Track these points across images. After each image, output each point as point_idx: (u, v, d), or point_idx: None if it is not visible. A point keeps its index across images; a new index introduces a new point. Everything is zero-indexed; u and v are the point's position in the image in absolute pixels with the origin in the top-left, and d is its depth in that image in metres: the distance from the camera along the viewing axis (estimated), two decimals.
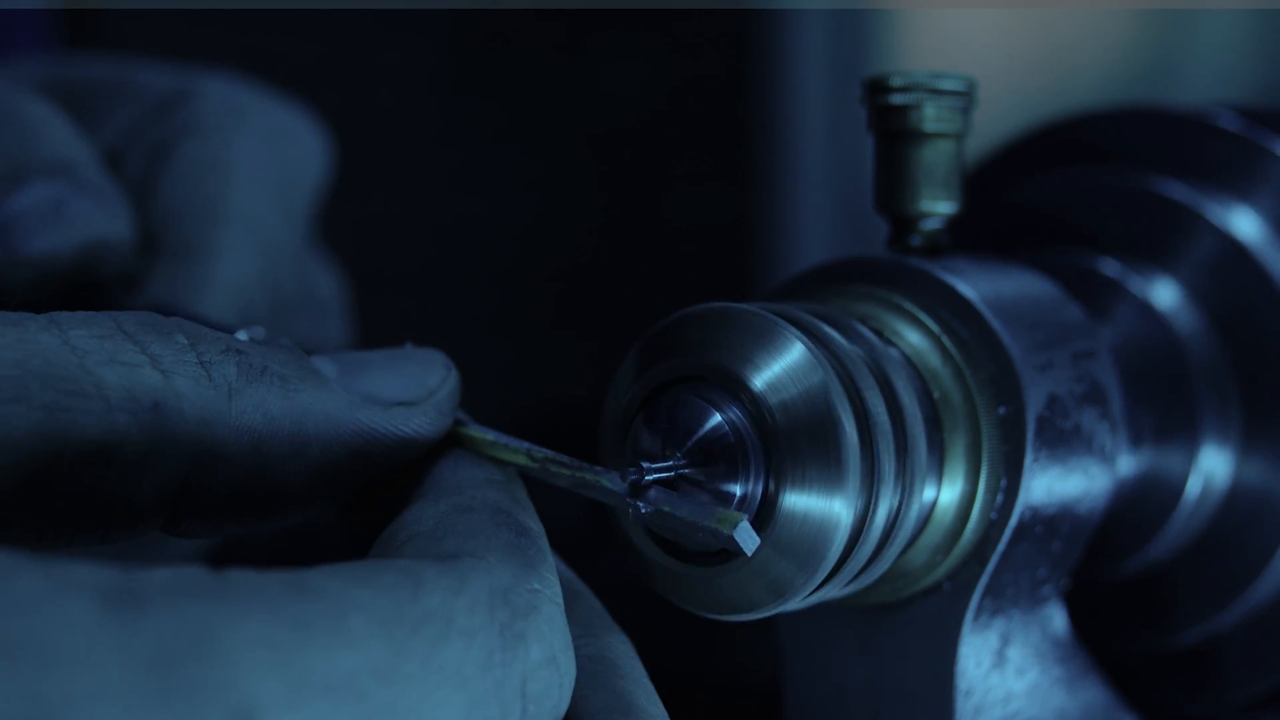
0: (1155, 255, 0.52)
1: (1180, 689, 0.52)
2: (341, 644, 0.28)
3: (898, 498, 0.40)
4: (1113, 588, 0.52)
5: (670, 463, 0.38)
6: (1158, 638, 0.52)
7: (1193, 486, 0.50)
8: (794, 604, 0.39)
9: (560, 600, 0.33)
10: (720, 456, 0.38)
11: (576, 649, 0.35)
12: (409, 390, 0.38)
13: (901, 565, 0.43)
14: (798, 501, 0.37)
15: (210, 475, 0.34)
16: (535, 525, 0.36)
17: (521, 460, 0.38)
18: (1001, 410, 0.43)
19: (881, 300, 0.44)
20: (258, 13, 2.32)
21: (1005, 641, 0.45)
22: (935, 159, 0.46)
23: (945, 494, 0.43)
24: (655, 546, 0.39)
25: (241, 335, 0.37)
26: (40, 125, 0.53)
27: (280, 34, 2.36)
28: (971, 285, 0.43)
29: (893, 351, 0.43)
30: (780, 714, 0.47)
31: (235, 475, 0.35)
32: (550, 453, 0.38)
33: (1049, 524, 0.44)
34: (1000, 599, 0.44)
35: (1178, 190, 0.52)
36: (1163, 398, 0.50)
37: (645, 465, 0.38)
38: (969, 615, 0.43)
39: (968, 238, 0.52)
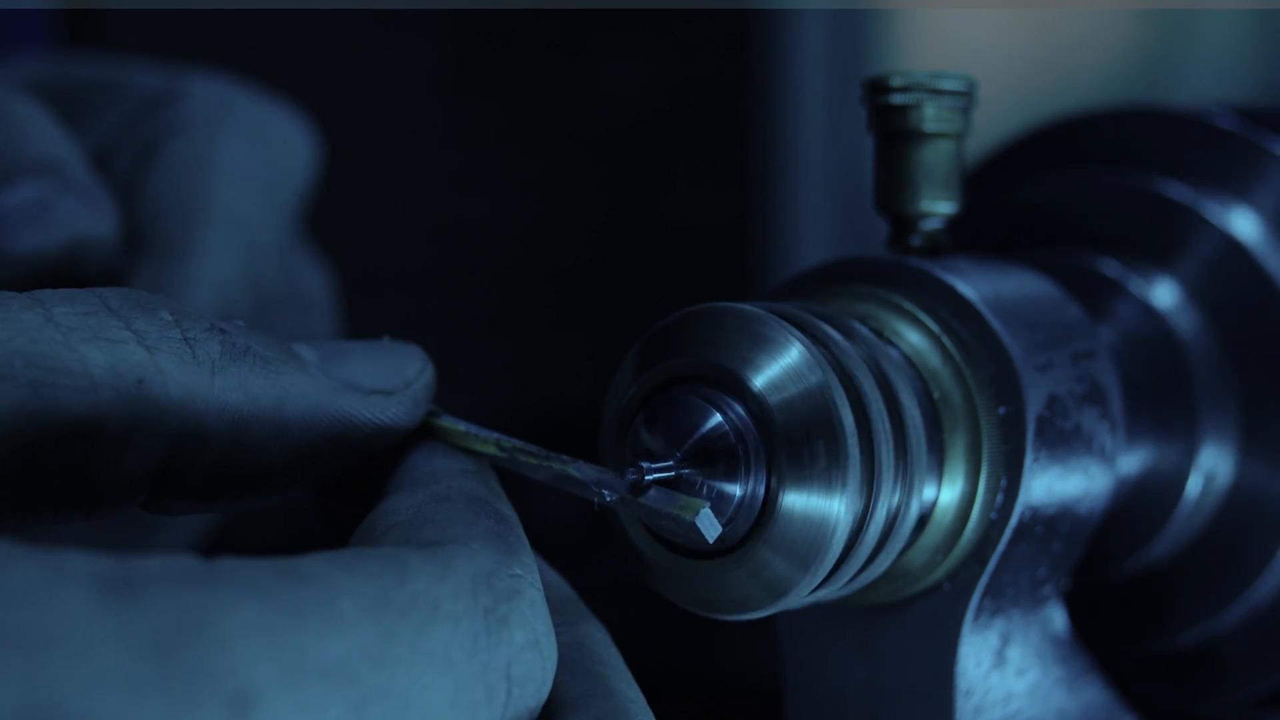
0: (1155, 255, 0.52)
1: (1180, 689, 0.52)
2: (333, 628, 0.29)
3: (897, 498, 0.40)
4: (1113, 588, 0.52)
5: (670, 463, 0.38)
6: (1158, 638, 0.52)
7: (1193, 486, 0.50)
8: (794, 603, 0.39)
9: (540, 586, 0.34)
10: (720, 456, 0.38)
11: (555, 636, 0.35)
12: (387, 380, 0.38)
13: (901, 565, 0.43)
14: (797, 501, 0.37)
15: (192, 453, 0.35)
16: (510, 513, 0.36)
17: (491, 450, 0.39)
18: (1001, 410, 0.43)
19: (881, 300, 0.44)
20: (257, 13, 2.32)
21: (1005, 641, 0.45)
22: (935, 159, 0.46)
23: (945, 494, 0.43)
24: (654, 545, 0.39)
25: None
26: (27, 124, 0.54)
27: (280, 34, 2.36)
28: (971, 285, 0.43)
29: (893, 351, 0.43)
30: (780, 714, 0.47)
31: (216, 454, 0.35)
32: (519, 443, 0.39)
33: (1049, 524, 0.44)
34: (1000, 599, 0.44)
35: (1178, 190, 0.52)
36: (1163, 398, 0.50)
37: (645, 465, 0.38)
38: (969, 615, 0.43)
39: (968, 238, 0.52)
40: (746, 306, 0.39)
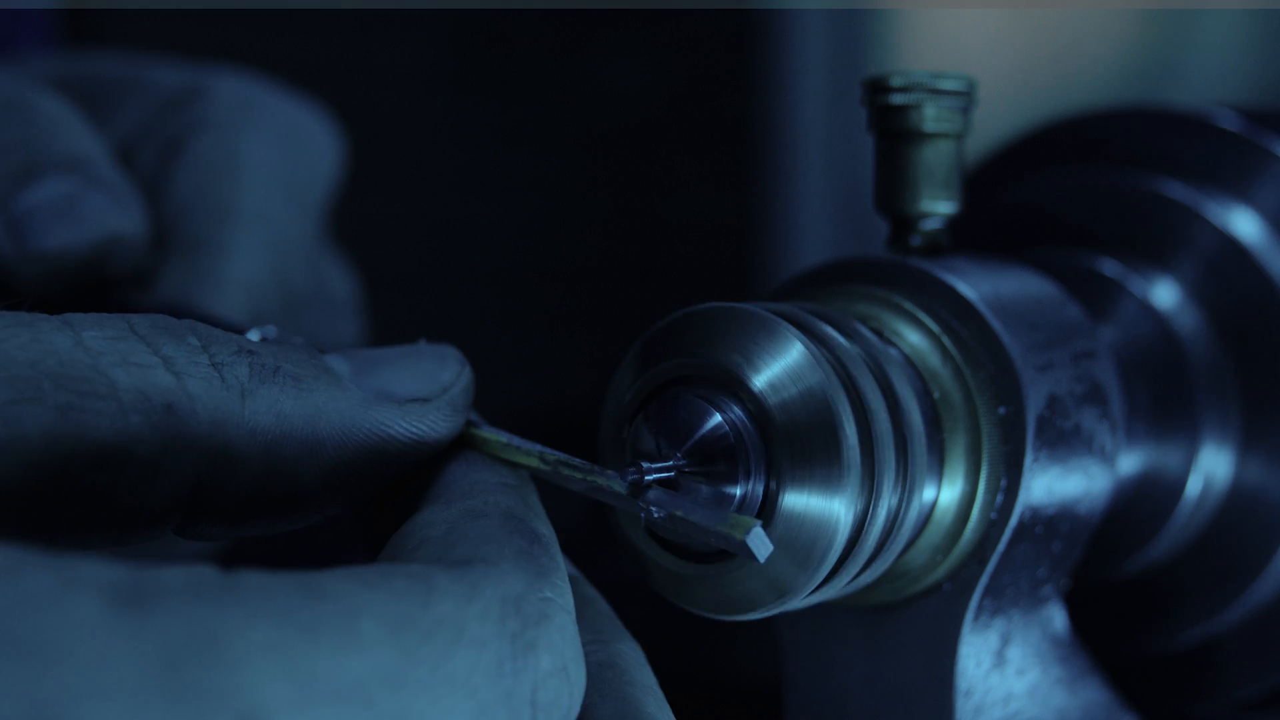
0: (1155, 255, 0.52)
1: (1180, 689, 0.52)
2: (351, 649, 0.28)
3: (897, 497, 0.40)
4: (1113, 588, 0.52)
5: (670, 462, 0.38)
6: (1158, 638, 0.52)
7: (1193, 486, 0.50)
8: (794, 604, 0.39)
9: (572, 608, 0.33)
10: (720, 456, 0.38)
11: (586, 655, 0.34)
12: (423, 386, 0.37)
13: (901, 565, 0.43)
14: (798, 501, 0.37)
15: (223, 477, 0.34)
16: (547, 531, 0.35)
17: (534, 463, 0.38)
18: (1001, 410, 0.43)
19: (881, 300, 0.44)
20: (258, 13, 2.32)
21: (1005, 641, 0.45)
22: (935, 159, 0.46)
23: (945, 494, 0.43)
24: (656, 546, 0.39)
25: (254, 335, 0.37)
26: (55, 121, 0.53)
27: (280, 34, 2.36)
28: (971, 285, 0.43)
29: (893, 351, 0.43)
30: (780, 714, 0.47)
31: (249, 477, 0.35)
32: (563, 456, 0.38)
33: (1049, 524, 0.44)
34: (1000, 599, 0.44)
35: (1178, 190, 0.52)
36: (1163, 398, 0.50)
37: (645, 465, 0.38)
38: (969, 615, 0.43)
39: (968, 238, 0.52)
40: (746, 306, 0.39)
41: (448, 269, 2.71)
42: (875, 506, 0.39)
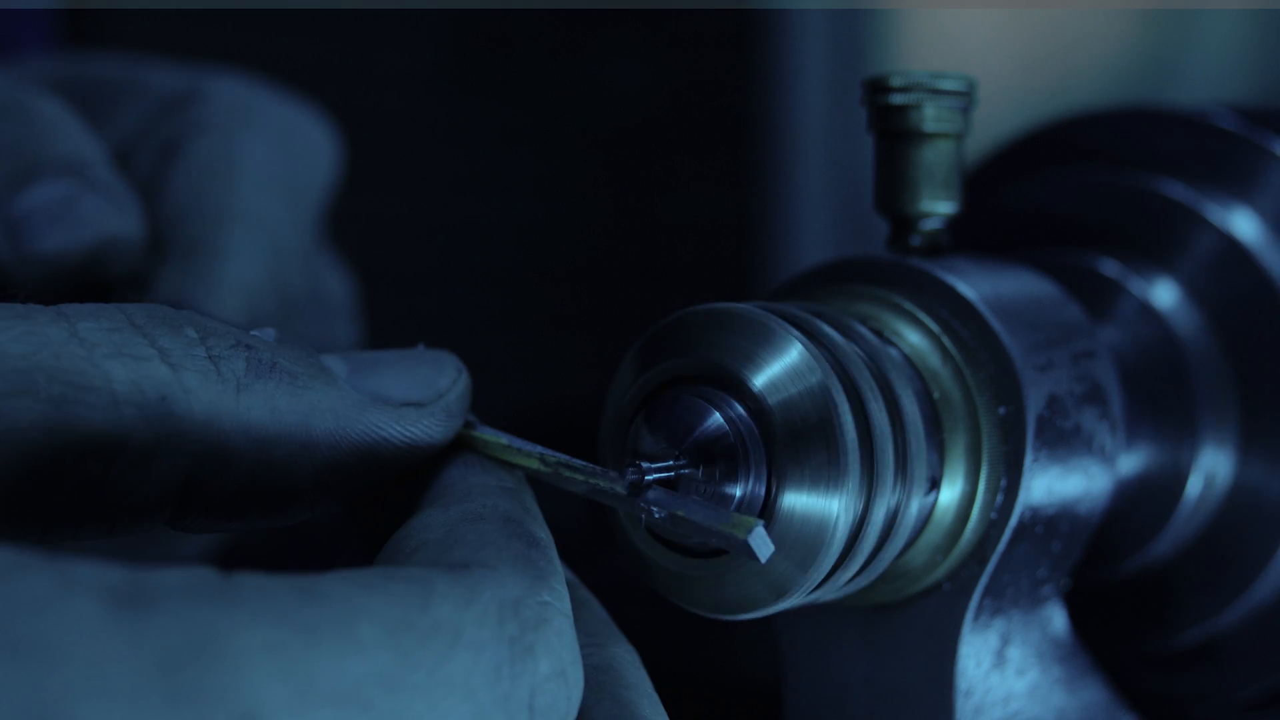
0: (1155, 255, 0.52)
1: (1180, 689, 0.52)
2: (349, 651, 0.28)
3: (897, 497, 0.40)
4: (1113, 588, 0.52)
5: (670, 462, 0.38)
6: (1158, 638, 0.52)
7: (1193, 486, 0.50)
8: (793, 603, 0.39)
9: (570, 613, 0.33)
10: (720, 456, 0.38)
11: (583, 659, 0.34)
12: (419, 391, 0.37)
13: (901, 565, 0.43)
14: (797, 501, 0.37)
15: (216, 471, 0.34)
16: (545, 535, 0.35)
17: (534, 465, 0.38)
18: (1001, 410, 0.43)
19: (881, 300, 0.44)
20: (258, 13, 2.32)
21: (1005, 641, 0.45)
22: (935, 159, 0.46)
23: (945, 494, 0.43)
24: (656, 546, 0.39)
25: (254, 335, 0.37)
26: (52, 123, 0.53)
27: (280, 34, 2.36)
28: (971, 285, 0.43)
29: (893, 351, 0.43)
30: (780, 714, 0.47)
31: (241, 472, 0.35)
32: (564, 457, 0.38)
33: (1049, 524, 0.44)
34: (1000, 599, 0.44)
35: (1178, 190, 0.52)
36: (1163, 398, 0.50)
37: (645, 465, 0.38)
38: (969, 615, 0.43)
39: (968, 238, 0.52)
40: (746, 306, 0.39)
41: (448, 269, 2.71)
42: (874, 506, 0.39)
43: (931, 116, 0.45)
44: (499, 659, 0.30)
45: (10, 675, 0.25)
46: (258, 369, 0.35)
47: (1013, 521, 0.42)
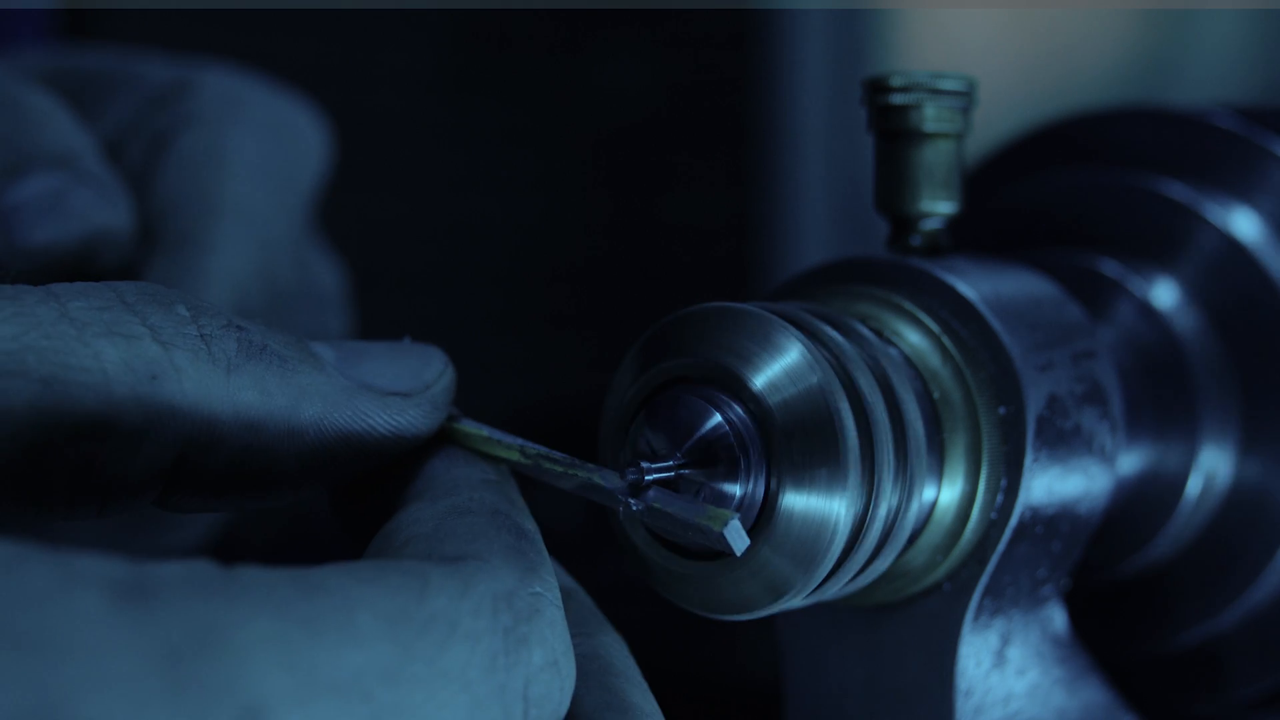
0: (1155, 255, 0.52)
1: (1180, 689, 0.52)
2: (349, 643, 0.28)
3: (897, 497, 0.40)
4: (1113, 588, 0.52)
5: (670, 462, 0.38)
6: (1158, 638, 0.52)
7: (1193, 486, 0.50)
8: (793, 603, 0.39)
9: (560, 603, 0.33)
10: (720, 456, 0.38)
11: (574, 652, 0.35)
12: (405, 381, 0.37)
13: (901, 565, 0.43)
14: (797, 501, 0.37)
15: (205, 451, 0.34)
16: (532, 527, 0.35)
17: (515, 457, 0.38)
18: (1001, 410, 0.43)
19: (881, 300, 0.44)
20: (258, 12, 2.32)
21: (1005, 641, 0.45)
22: (935, 159, 0.46)
23: (945, 494, 0.43)
24: (655, 546, 0.39)
25: None
26: (42, 116, 0.53)
27: (280, 34, 2.36)
28: (971, 285, 0.43)
29: (893, 351, 0.43)
30: (780, 714, 0.47)
31: (229, 452, 0.35)
32: (544, 449, 0.38)
33: (1049, 524, 0.44)
34: (1000, 599, 0.44)
35: (1178, 190, 0.52)
36: (1163, 398, 0.50)
37: (645, 465, 0.38)
38: (969, 615, 0.43)
39: (968, 238, 0.52)
40: (746, 306, 0.39)
41: (448, 269, 2.71)
42: (874, 506, 0.39)
43: (931, 116, 0.45)
44: (494, 649, 0.31)
45: (12, 668, 0.25)
46: (248, 350, 0.35)
47: (1013, 521, 0.42)
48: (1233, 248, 0.50)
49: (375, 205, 2.44)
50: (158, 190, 0.55)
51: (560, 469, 0.38)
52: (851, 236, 2.59)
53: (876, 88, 0.46)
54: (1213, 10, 2.44)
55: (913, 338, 0.43)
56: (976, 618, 0.43)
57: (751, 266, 2.78)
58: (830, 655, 0.45)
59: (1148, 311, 0.51)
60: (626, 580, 0.43)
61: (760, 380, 0.38)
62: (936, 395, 0.43)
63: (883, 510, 0.39)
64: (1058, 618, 0.47)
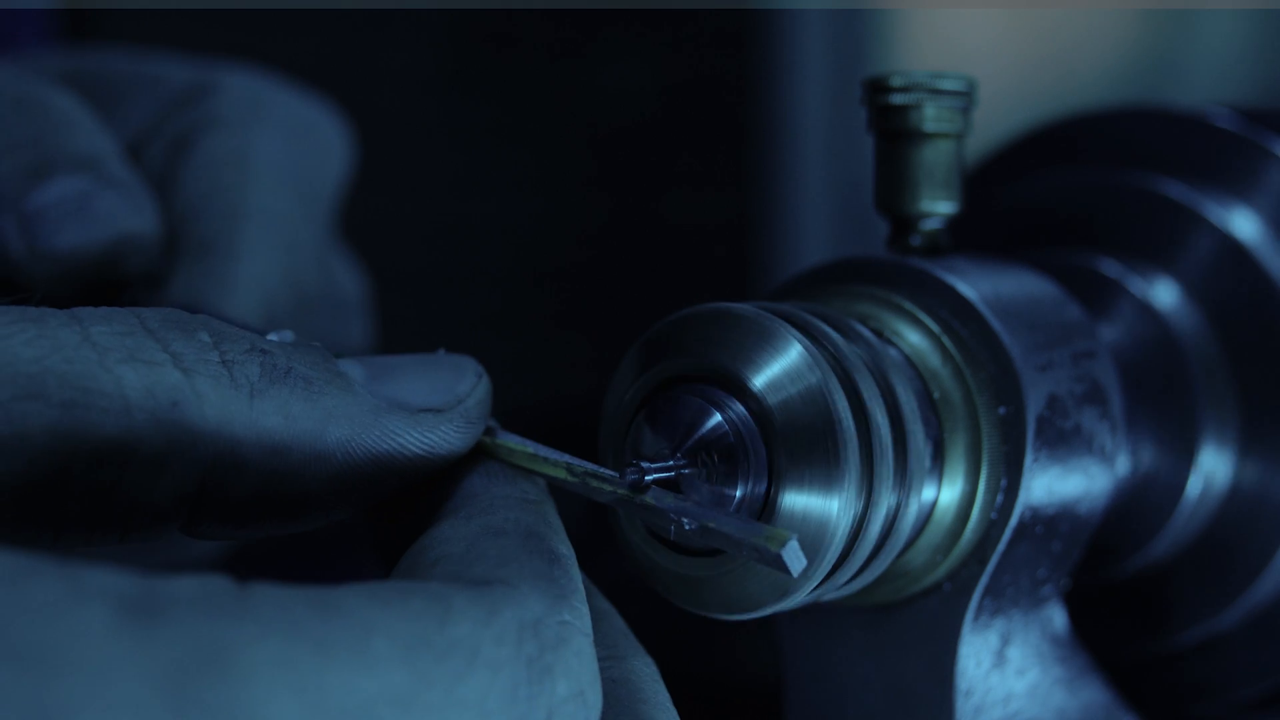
0: (1155, 255, 0.52)
1: (1180, 689, 0.52)
2: (362, 669, 0.28)
3: (896, 497, 0.40)
4: (1113, 588, 0.52)
5: (670, 462, 0.38)
6: (1158, 638, 0.52)
7: (1192, 486, 0.50)
8: (794, 603, 0.39)
9: (590, 631, 0.32)
10: (720, 456, 0.38)
11: (601, 672, 0.34)
12: (437, 397, 0.36)
13: (901, 565, 0.43)
14: (797, 501, 0.37)
15: (229, 478, 0.34)
16: (567, 550, 0.35)
17: (560, 474, 0.37)
18: (1001, 410, 0.43)
19: (881, 300, 0.44)
20: (258, 13, 2.32)
21: (1005, 641, 0.45)
22: (935, 159, 0.46)
23: (945, 494, 0.43)
24: (655, 546, 0.39)
25: (272, 338, 0.36)
26: (67, 118, 0.53)
27: (280, 34, 2.36)
28: (971, 285, 0.43)
29: (892, 351, 0.43)
30: (780, 714, 0.47)
31: (255, 478, 0.34)
32: (591, 466, 0.37)
33: (1049, 524, 0.44)
34: (1000, 599, 0.44)
35: (1178, 190, 0.52)
36: (1162, 397, 0.50)
37: (645, 465, 0.38)
38: (969, 615, 0.43)
39: (968, 238, 0.52)
40: (746, 307, 0.39)
41: (448, 269, 2.71)
42: (874, 506, 0.39)
43: (931, 116, 0.45)
44: (516, 679, 0.30)
45: (15, 682, 0.25)
46: (272, 374, 0.34)
47: (1013, 521, 0.42)
48: (1232, 248, 0.50)
49: (375, 205, 2.44)
50: (180, 193, 0.54)
51: (609, 487, 0.37)
52: (851, 236, 2.59)
53: (876, 88, 0.46)
54: (1213, 10, 2.44)
55: (913, 338, 0.43)
56: (976, 618, 0.43)
57: (751, 266, 2.78)
58: (830, 655, 0.45)
59: (1147, 311, 0.51)
60: (626, 580, 0.43)
61: (760, 380, 0.38)
62: (936, 395, 0.43)
63: (882, 510, 0.39)
64: (1058, 618, 0.47)
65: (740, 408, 0.38)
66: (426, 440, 0.36)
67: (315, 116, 0.60)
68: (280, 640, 0.27)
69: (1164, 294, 0.51)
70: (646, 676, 0.36)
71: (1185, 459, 0.50)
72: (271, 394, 0.34)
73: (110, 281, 0.52)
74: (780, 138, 2.74)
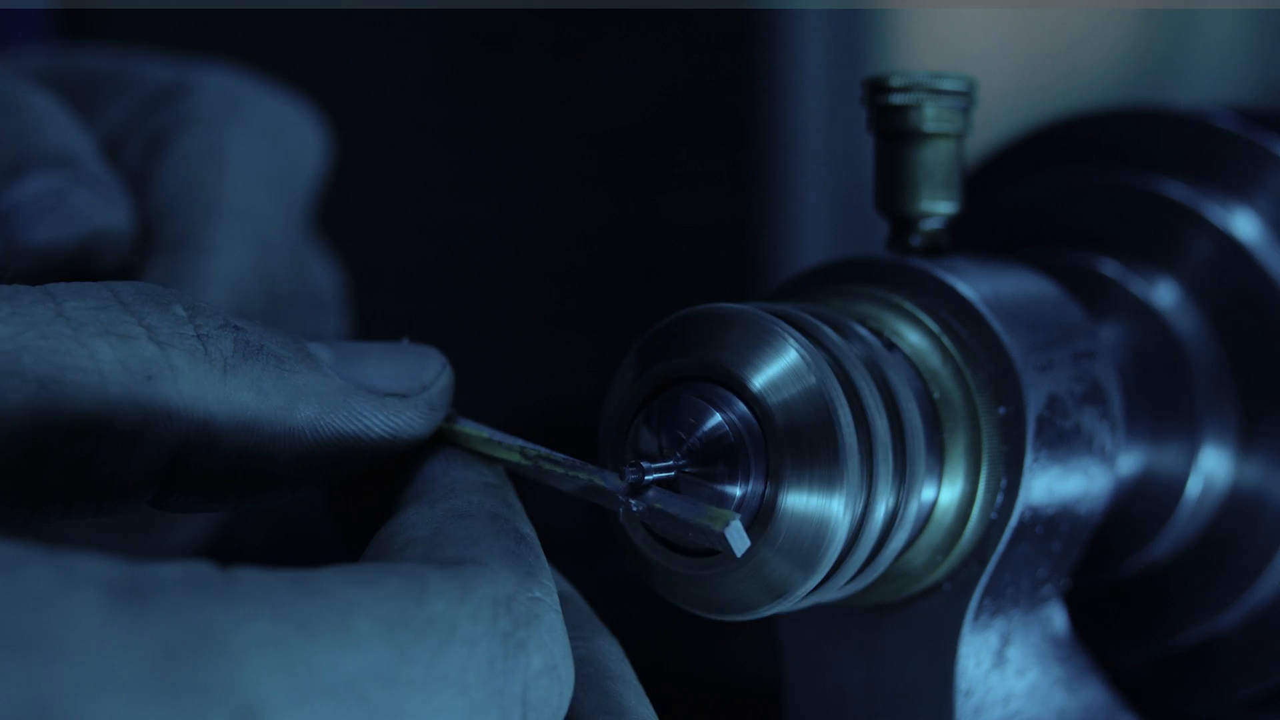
0: (1155, 255, 0.52)
1: (1180, 689, 0.52)
2: (346, 646, 0.28)
3: (896, 497, 0.40)
4: (1113, 588, 0.52)
5: (670, 462, 0.38)
6: (1158, 638, 0.52)
7: (1193, 486, 0.50)
8: (793, 604, 0.39)
9: (559, 608, 0.33)
10: (720, 456, 0.38)
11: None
12: (403, 382, 0.37)
13: (901, 565, 0.43)
14: (796, 501, 0.37)
15: (202, 451, 0.34)
16: (530, 531, 0.35)
17: (514, 458, 0.38)
18: (1001, 410, 0.43)
19: (881, 300, 0.44)
20: (258, 13, 2.32)
21: (1005, 641, 0.45)
22: (935, 159, 0.46)
23: (945, 494, 0.43)
24: (655, 546, 0.39)
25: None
26: (42, 116, 0.53)
27: (280, 34, 2.36)
28: (971, 285, 0.43)
29: (893, 352, 0.43)
30: (780, 714, 0.47)
31: (226, 452, 0.35)
32: (544, 450, 0.38)
33: (1049, 524, 0.44)
34: (1000, 599, 0.44)
35: (1178, 190, 0.52)
36: (1163, 398, 0.50)
37: (645, 465, 0.38)
38: (969, 615, 0.43)
39: (968, 238, 0.52)
40: (746, 307, 0.39)
41: (447, 269, 2.71)
42: (874, 506, 0.39)
43: (931, 116, 0.45)
44: (493, 654, 0.31)
45: (9, 668, 0.25)
46: (245, 350, 0.35)
47: (1013, 521, 0.42)
48: (1232, 248, 0.50)
49: (375, 205, 2.44)
50: (156, 191, 0.55)
51: (560, 470, 0.38)
52: (851, 236, 2.59)
53: (876, 88, 0.46)
54: (1213, 10, 2.44)
55: (913, 338, 0.43)
56: (976, 618, 0.43)
57: (751, 266, 2.78)
58: (830, 655, 0.45)
59: (1147, 311, 0.51)
60: (626, 580, 0.43)
61: (759, 380, 0.38)
62: (936, 395, 0.43)
63: (882, 510, 0.39)
64: (1058, 618, 0.47)
65: (740, 408, 0.38)
66: (391, 423, 0.37)
67: (291, 115, 0.61)
68: (267, 620, 0.27)
69: (1164, 294, 0.51)
70: (613, 655, 0.37)
71: (1185, 459, 0.50)
72: (244, 369, 0.35)
73: (84, 276, 0.52)
74: (780, 138, 2.74)
